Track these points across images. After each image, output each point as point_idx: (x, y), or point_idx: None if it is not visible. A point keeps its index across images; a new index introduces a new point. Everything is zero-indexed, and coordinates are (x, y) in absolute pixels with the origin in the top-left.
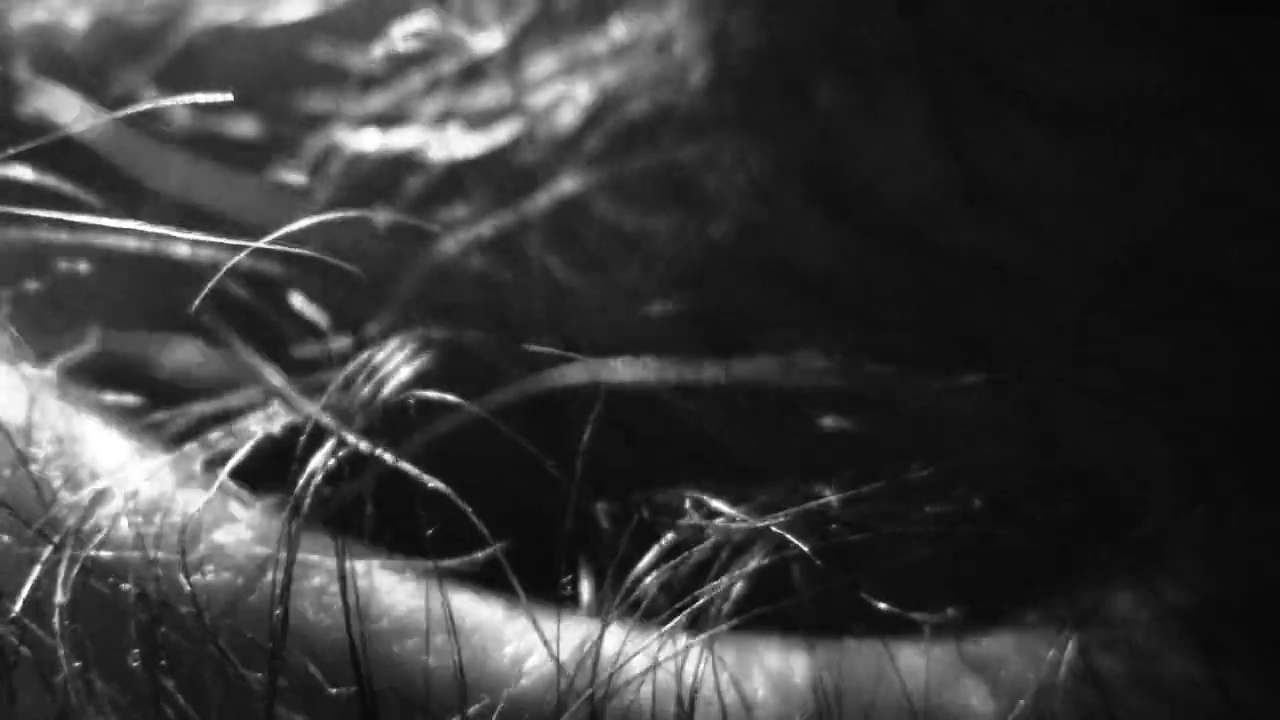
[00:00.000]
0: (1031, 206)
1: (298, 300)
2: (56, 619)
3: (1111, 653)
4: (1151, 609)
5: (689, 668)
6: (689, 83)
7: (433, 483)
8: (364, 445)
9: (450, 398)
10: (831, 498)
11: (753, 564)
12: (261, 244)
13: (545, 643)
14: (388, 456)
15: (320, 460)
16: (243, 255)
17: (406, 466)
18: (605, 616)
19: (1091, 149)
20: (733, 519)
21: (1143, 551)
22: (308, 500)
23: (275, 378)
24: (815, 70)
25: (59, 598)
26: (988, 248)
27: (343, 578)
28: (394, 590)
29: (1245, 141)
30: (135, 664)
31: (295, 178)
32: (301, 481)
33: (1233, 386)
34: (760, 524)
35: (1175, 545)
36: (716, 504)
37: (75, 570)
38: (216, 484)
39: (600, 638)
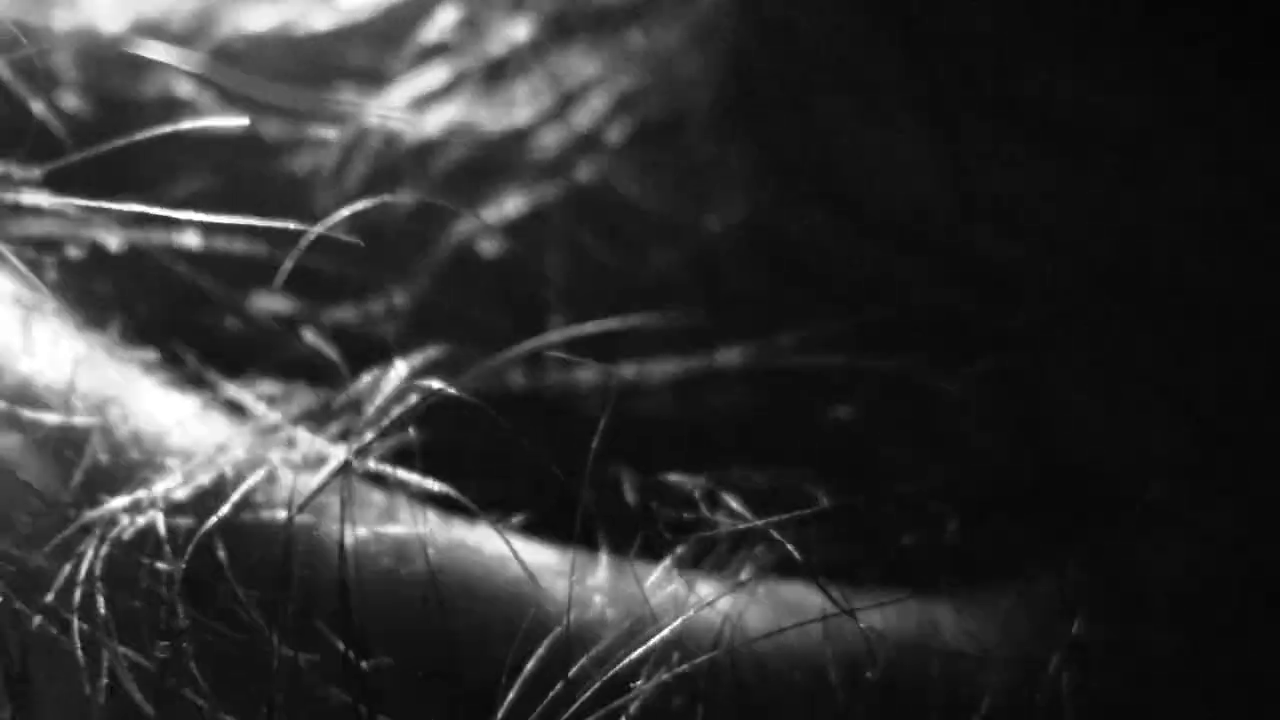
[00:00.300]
0: (1029, 212)
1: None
2: (98, 603)
3: (1098, 628)
4: (1139, 588)
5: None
6: (697, 97)
7: (436, 485)
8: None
9: (461, 393)
10: (828, 501)
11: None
12: (316, 229)
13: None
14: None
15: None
16: (306, 237)
17: (406, 475)
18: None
19: (1080, 163)
20: (738, 515)
21: (1131, 532)
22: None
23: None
24: (820, 88)
25: (96, 577)
26: (983, 246)
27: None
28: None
29: (1219, 165)
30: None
31: (323, 166)
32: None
33: (1216, 381)
34: (761, 523)
35: (1163, 527)
36: (727, 498)
37: (112, 543)
38: (264, 471)
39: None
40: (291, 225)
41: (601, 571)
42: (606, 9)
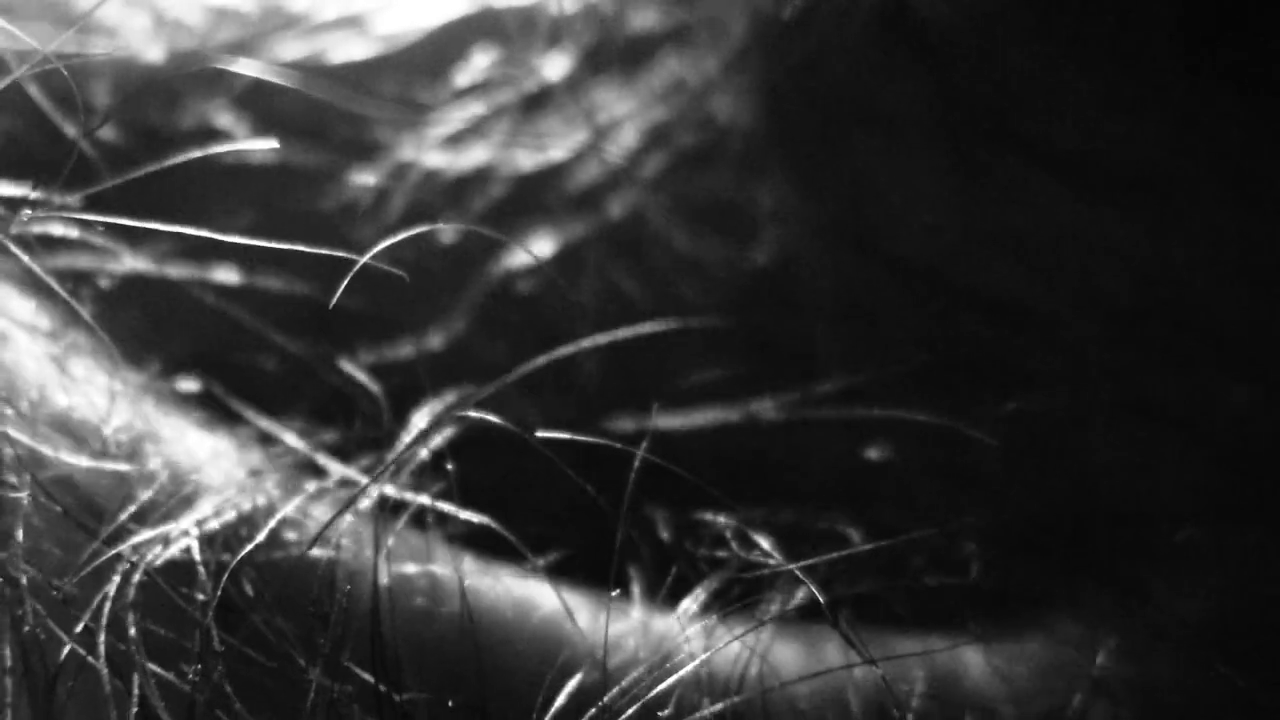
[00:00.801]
0: (1048, 250)
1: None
2: (130, 628)
3: (1125, 666)
4: (1164, 626)
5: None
6: (729, 127)
7: (476, 517)
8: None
9: (501, 421)
10: (863, 545)
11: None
12: (357, 260)
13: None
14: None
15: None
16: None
17: (445, 506)
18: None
19: (1102, 200)
20: (766, 554)
21: (1156, 570)
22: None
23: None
24: (848, 123)
25: (130, 602)
26: (1006, 288)
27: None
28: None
29: (1243, 201)
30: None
31: (363, 195)
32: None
33: (1240, 420)
34: (790, 565)
35: (1188, 564)
36: (757, 537)
37: (143, 571)
38: (294, 501)
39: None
40: (329, 252)
41: (634, 613)
42: (640, 44)
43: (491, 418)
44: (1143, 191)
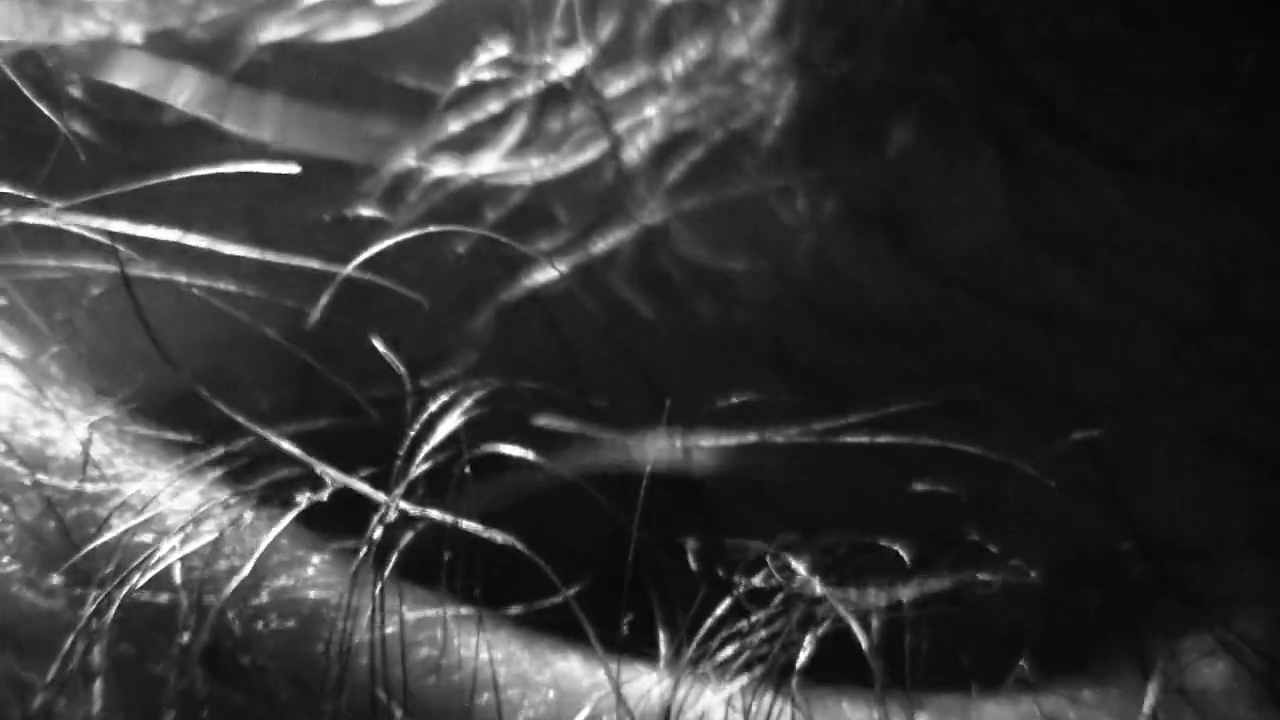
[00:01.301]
0: (1103, 254)
1: (375, 340)
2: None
3: (1185, 714)
4: (1225, 669)
5: None
6: (760, 114)
7: (500, 537)
8: (430, 513)
9: (521, 452)
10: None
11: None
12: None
13: (620, 701)
14: (448, 517)
15: (386, 514)
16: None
17: (469, 525)
18: (678, 673)
19: (1160, 197)
20: (805, 581)
21: (1217, 611)
22: (370, 552)
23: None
24: (888, 110)
25: (97, 656)
26: (1060, 297)
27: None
28: (467, 643)
29: None
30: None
31: (368, 210)
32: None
33: None
34: (831, 595)
35: (1249, 604)
36: (793, 562)
37: (115, 617)
38: (280, 526)
39: (674, 695)
40: (329, 268)
41: (660, 665)
42: (665, 26)
43: (506, 448)
44: (1204, 188)
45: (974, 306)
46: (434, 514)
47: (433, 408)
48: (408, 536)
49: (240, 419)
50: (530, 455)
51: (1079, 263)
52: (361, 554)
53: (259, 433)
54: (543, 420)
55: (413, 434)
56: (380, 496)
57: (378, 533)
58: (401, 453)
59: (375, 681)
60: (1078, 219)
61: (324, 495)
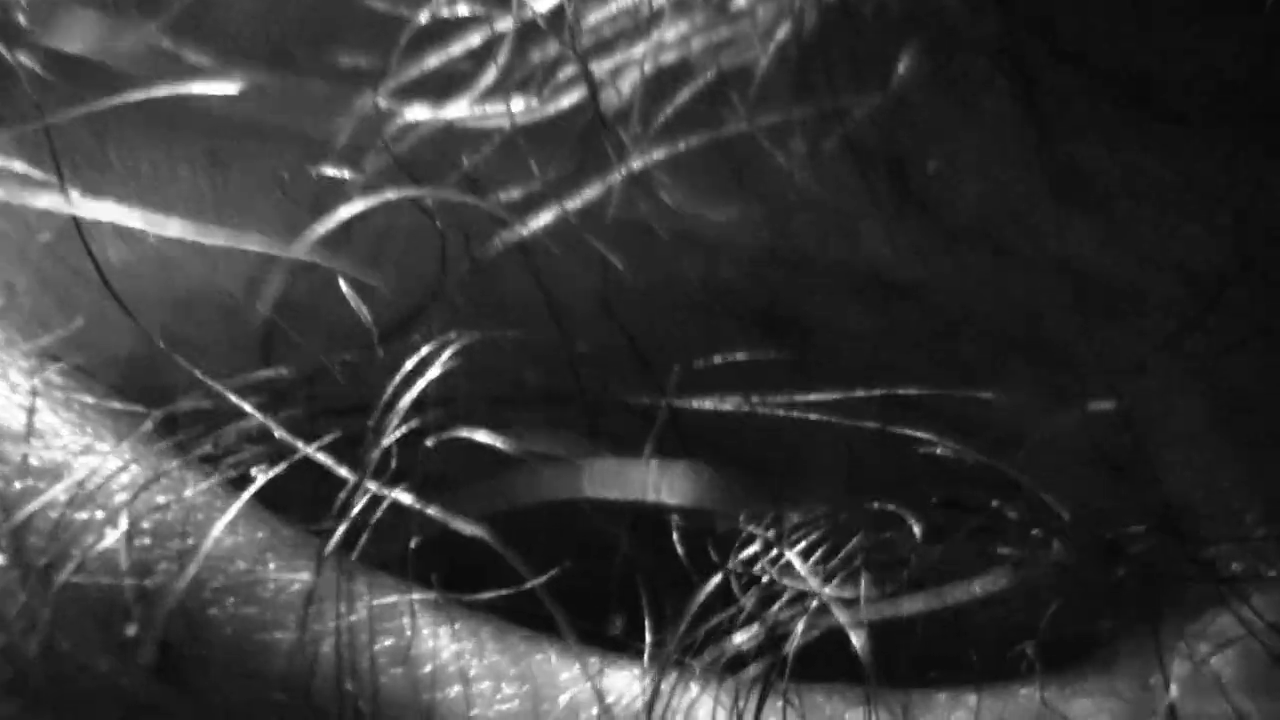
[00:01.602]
0: (1125, 205)
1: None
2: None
3: (1201, 696)
4: (1244, 650)
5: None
6: (753, 46)
7: (469, 528)
8: (399, 495)
9: (496, 440)
10: (914, 536)
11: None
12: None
13: (598, 694)
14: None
15: (355, 494)
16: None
17: (437, 513)
18: (662, 664)
19: (1184, 140)
20: (793, 574)
21: (1236, 589)
22: (339, 534)
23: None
24: (893, 39)
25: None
26: (1077, 253)
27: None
28: (437, 631)
29: None
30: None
31: (332, 170)
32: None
33: None
34: (822, 590)
35: (1270, 582)
36: (790, 555)
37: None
38: (237, 505)
39: (655, 689)
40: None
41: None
42: None
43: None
44: (1228, 129)
45: (982, 258)
46: (404, 498)
47: (408, 365)
48: (374, 518)
49: (201, 376)
50: (504, 444)
51: (1097, 212)
52: (336, 535)
53: (222, 392)
54: (526, 440)
55: (389, 394)
56: (347, 474)
57: (350, 512)
58: (371, 422)
59: (341, 673)
60: (1097, 164)
61: (281, 467)
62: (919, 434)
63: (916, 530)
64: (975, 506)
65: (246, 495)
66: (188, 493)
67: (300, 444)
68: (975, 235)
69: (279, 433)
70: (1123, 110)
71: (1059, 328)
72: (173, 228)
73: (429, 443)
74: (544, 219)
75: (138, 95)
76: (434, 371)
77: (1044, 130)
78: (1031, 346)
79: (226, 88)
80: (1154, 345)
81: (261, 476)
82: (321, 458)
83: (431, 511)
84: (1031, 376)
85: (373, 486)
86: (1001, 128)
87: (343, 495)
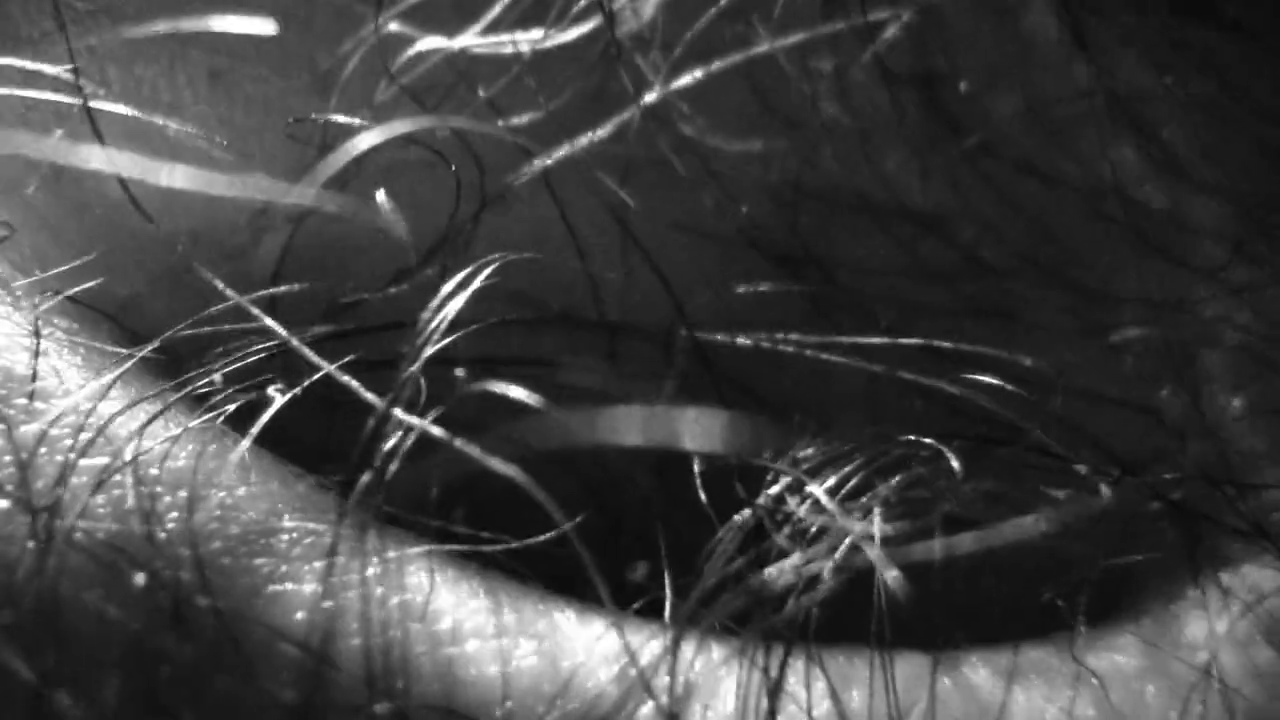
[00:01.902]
0: (1167, 125)
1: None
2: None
3: (1236, 651)
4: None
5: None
6: None
7: (503, 467)
8: (432, 429)
9: (522, 393)
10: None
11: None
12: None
13: (629, 650)
14: (450, 438)
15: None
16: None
17: (472, 450)
18: (682, 621)
19: (1237, 52)
20: (824, 514)
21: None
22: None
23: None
24: None
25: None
26: (1115, 175)
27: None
28: (454, 587)
29: None
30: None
31: (340, 117)
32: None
33: None
34: (851, 527)
35: None
36: (813, 488)
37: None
38: (242, 448)
39: (676, 646)
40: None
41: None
42: None
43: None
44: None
45: (1016, 182)
46: (434, 430)
47: (448, 287)
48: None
49: (222, 286)
50: (533, 400)
51: (1138, 134)
52: (362, 481)
53: (242, 303)
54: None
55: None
56: (374, 400)
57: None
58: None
59: (361, 628)
60: (1142, 81)
61: (299, 390)
62: (946, 385)
63: (955, 465)
64: (1011, 441)
65: (268, 415)
66: (194, 425)
67: (323, 363)
68: (1011, 160)
69: (300, 348)
70: (1172, 20)
71: (1098, 259)
72: (179, 176)
73: (459, 373)
74: (560, 152)
75: (164, 27)
76: (466, 294)
77: (1086, 45)
78: (1068, 279)
79: (263, 25)
80: (1199, 277)
81: (280, 397)
82: (349, 379)
83: (464, 448)
84: (1068, 311)
85: (402, 416)
86: (1041, 43)
87: (370, 424)
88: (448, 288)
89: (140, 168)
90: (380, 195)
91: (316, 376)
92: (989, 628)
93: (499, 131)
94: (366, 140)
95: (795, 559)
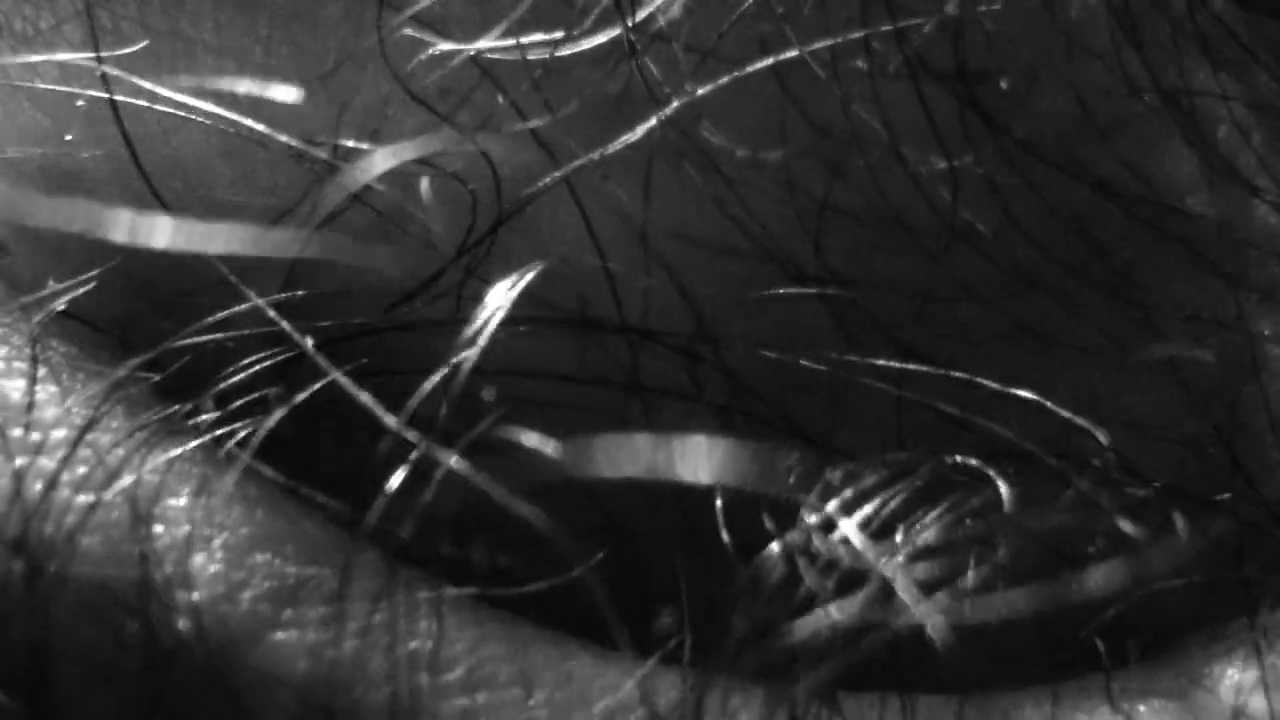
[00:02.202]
0: (1226, 127)
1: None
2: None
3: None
4: None
5: None
6: None
7: (523, 508)
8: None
9: (536, 440)
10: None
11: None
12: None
13: (647, 699)
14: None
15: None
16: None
17: (492, 486)
18: (705, 674)
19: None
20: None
21: None
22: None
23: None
24: None
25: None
26: (1168, 180)
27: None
28: (465, 633)
29: None
30: None
31: (348, 140)
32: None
33: None
34: (882, 565)
35: None
36: (844, 524)
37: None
38: (236, 470)
39: (700, 698)
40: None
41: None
42: None
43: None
44: None
45: (1061, 187)
46: (457, 465)
47: (493, 299)
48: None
49: (229, 275)
50: (548, 446)
51: (1195, 135)
52: (369, 517)
53: (248, 296)
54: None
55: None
56: (389, 421)
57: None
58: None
59: (365, 680)
60: (1199, 79)
61: (305, 394)
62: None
63: (1005, 494)
64: (1063, 468)
65: (268, 425)
66: (188, 452)
67: (334, 369)
68: (1052, 156)
69: (307, 348)
70: (1233, 9)
71: (1147, 274)
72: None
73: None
74: (577, 162)
75: None
76: (500, 310)
77: (1138, 41)
78: (1114, 295)
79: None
80: (1256, 293)
81: (281, 407)
82: (364, 395)
83: (486, 484)
84: (1114, 330)
85: (422, 444)
86: (1089, 30)
87: (383, 446)
88: (493, 296)
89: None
90: (424, 184)
91: (323, 382)
92: (1020, 663)
93: (505, 149)
94: (381, 162)
95: (829, 612)
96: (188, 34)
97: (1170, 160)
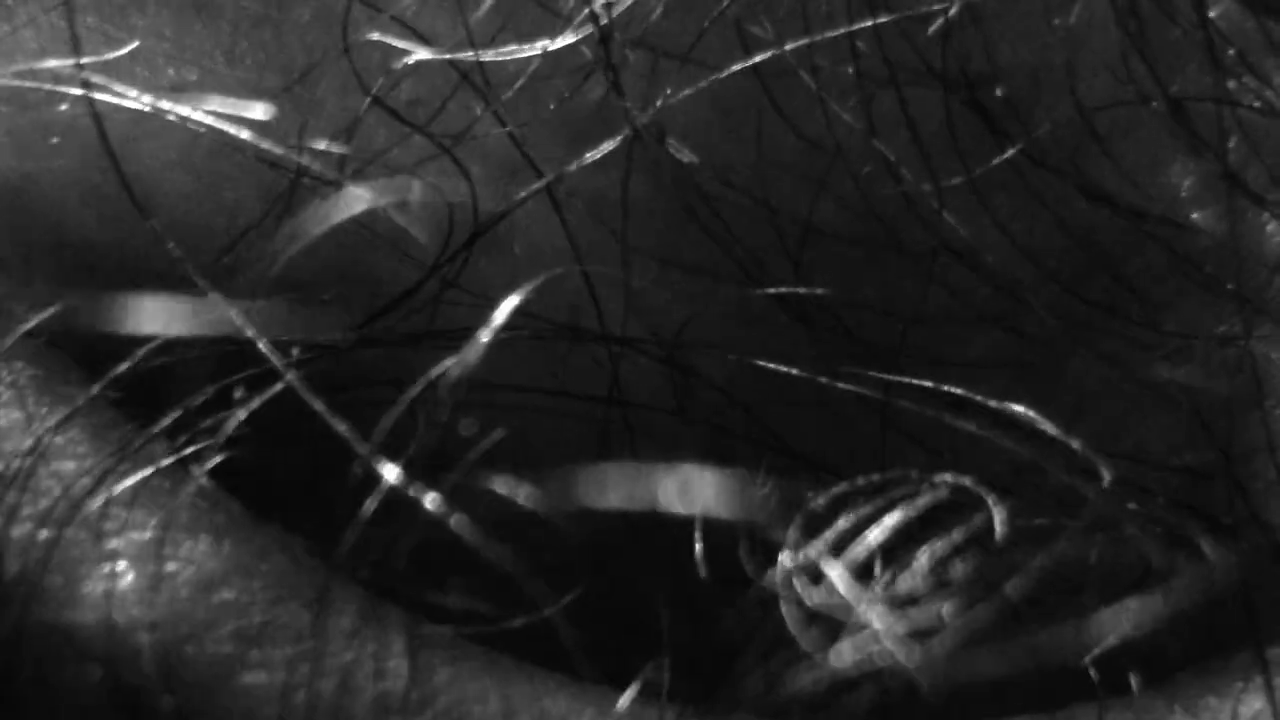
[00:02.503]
0: (1235, 142)
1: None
2: None
3: None
4: None
5: None
6: None
7: (493, 551)
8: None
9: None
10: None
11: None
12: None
13: None
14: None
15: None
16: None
17: (460, 527)
18: (686, 706)
19: None
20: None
21: None
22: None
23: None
24: None
25: None
26: (1188, 193)
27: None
28: (442, 671)
29: None
30: None
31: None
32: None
33: None
34: (879, 625)
35: None
36: (831, 570)
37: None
38: (190, 490)
39: None
40: None
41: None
42: None
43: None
44: None
45: (1073, 198)
46: (432, 508)
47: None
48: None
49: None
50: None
51: (1202, 147)
52: (340, 553)
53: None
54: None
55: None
56: (359, 446)
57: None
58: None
59: None
60: (1227, 85)
61: (269, 392)
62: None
63: (998, 520)
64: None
65: (230, 425)
66: (150, 487)
67: (311, 398)
68: (1063, 168)
69: (288, 378)
70: (1243, 13)
71: (1149, 289)
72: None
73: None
74: (541, 182)
75: None
76: (501, 316)
77: (1144, 48)
78: (1113, 311)
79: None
80: (1260, 310)
81: (240, 411)
82: (339, 427)
83: (458, 527)
84: (1112, 348)
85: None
86: (1106, 32)
87: (356, 469)
88: (503, 307)
89: None
90: (415, 187)
91: (281, 386)
92: (1011, 690)
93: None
94: (351, 204)
95: (819, 663)
96: (148, 43)
97: (1174, 168)
